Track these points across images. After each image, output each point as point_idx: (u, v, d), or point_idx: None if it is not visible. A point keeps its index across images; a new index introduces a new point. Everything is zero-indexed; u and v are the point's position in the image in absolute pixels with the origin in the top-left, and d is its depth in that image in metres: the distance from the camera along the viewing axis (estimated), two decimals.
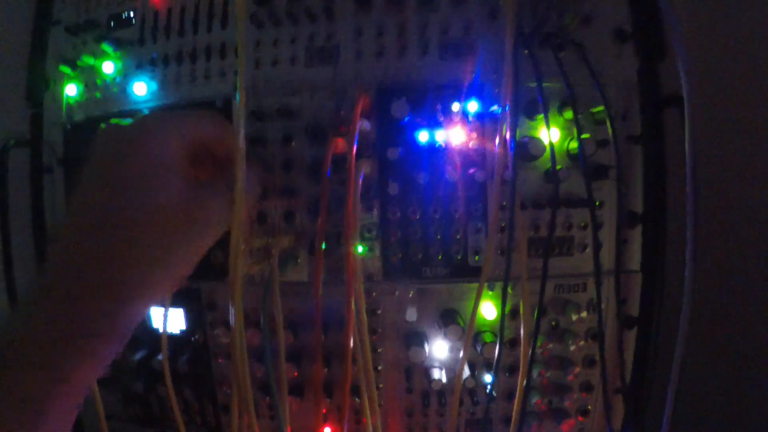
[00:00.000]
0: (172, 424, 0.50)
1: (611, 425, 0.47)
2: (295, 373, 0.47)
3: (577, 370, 0.49)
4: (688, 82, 0.44)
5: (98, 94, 0.52)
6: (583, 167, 0.44)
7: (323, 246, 0.44)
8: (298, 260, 0.47)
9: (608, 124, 0.45)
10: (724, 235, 0.66)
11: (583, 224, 0.48)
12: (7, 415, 0.27)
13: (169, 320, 0.50)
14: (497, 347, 0.45)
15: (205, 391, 0.51)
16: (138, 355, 0.49)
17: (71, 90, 0.53)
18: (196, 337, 0.50)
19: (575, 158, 0.46)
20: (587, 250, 0.48)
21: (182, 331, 0.50)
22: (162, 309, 0.48)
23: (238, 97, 0.36)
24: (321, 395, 0.44)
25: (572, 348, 0.48)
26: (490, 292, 0.48)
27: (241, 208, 0.34)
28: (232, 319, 0.36)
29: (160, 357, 0.47)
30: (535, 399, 0.49)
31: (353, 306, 0.39)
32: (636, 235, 0.50)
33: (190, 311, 0.50)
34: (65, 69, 0.53)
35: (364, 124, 0.45)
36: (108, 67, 0.52)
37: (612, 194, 0.48)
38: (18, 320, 0.30)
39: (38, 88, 0.56)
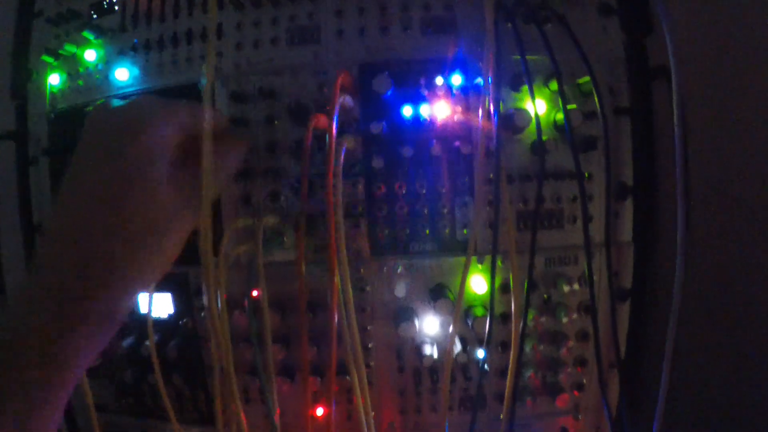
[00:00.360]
0: (165, 413, 0.49)
1: (607, 400, 0.47)
2: (285, 355, 0.47)
3: (571, 343, 0.48)
4: (675, 54, 0.44)
5: (81, 82, 0.52)
6: (570, 138, 0.44)
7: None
8: (285, 240, 0.46)
9: (595, 95, 0.45)
10: (720, 218, 0.65)
11: (572, 197, 0.47)
12: (13, 408, 0.28)
13: (157, 305, 0.49)
14: (488, 321, 0.44)
15: (196, 377, 0.50)
16: (126, 342, 0.49)
17: (54, 79, 0.53)
18: (185, 321, 0.49)
19: (562, 130, 0.46)
20: (578, 223, 0.47)
21: (170, 316, 0.50)
22: (147, 294, 0.47)
23: (203, 81, 0.36)
24: (308, 376, 0.44)
25: (565, 321, 0.47)
26: (480, 266, 0.47)
27: (209, 186, 0.34)
28: (206, 300, 0.36)
29: (148, 343, 0.46)
30: (528, 374, 0.48)
31: (337, 281, 0.39)
32: (627, 207, 0.49)
33: (177, 296, 0.49)
34: (48, 59, 0.52)
35: (346, 100, 0.44)
36: (90, 55, 0.51)
37: (601, 166, 0.47)
38: (14, 315, 0.31)
39: (22, 80, 0.55)
